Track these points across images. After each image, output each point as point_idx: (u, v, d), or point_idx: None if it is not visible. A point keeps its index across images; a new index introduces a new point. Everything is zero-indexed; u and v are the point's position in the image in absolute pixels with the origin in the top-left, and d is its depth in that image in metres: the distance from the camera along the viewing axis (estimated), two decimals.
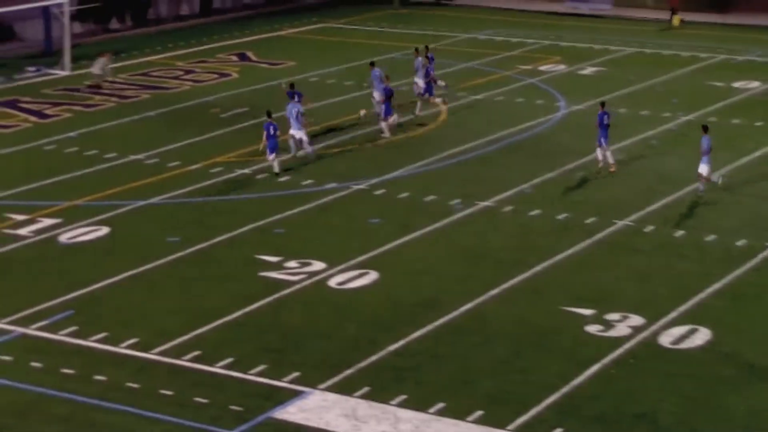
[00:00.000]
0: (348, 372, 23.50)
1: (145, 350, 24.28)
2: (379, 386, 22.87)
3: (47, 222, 31.78)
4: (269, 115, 36.47)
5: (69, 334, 24.93)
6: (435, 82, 43.67)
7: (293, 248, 30.13)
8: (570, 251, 30.20)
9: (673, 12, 64.10)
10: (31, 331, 25.11)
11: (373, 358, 24.12)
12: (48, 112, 43.77)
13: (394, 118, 40.62)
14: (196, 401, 22.20)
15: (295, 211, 33.02)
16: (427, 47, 45.95)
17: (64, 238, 30.78)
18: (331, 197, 34.25)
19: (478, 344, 24.90)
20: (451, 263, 29.33)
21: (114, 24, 60.78)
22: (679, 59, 54.71)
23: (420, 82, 43.61)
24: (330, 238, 31.02)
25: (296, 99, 38.08)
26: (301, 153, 37.71)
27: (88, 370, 23.34)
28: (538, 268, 29.07)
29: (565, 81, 49.68)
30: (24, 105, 44.68)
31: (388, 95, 40.53)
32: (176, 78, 49.74)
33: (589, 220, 32.45)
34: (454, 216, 32.67)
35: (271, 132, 35.96)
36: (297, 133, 37.50)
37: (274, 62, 52.33)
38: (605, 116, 35.99)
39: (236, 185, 35.32)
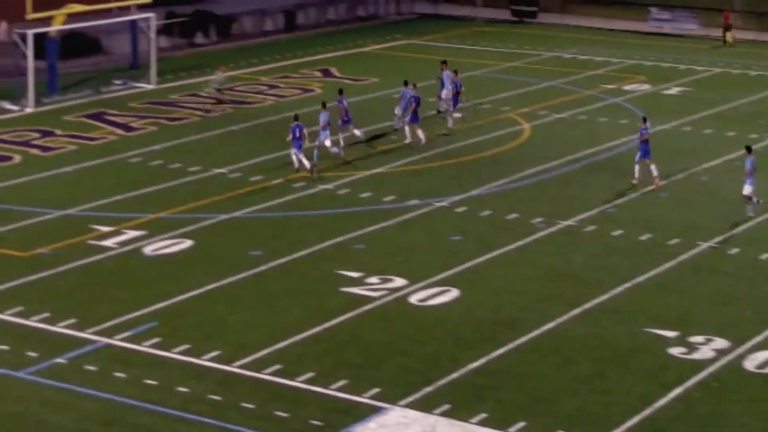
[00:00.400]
0: (428, 389, 23.50)
1: (227, 363, 24.47)
2: (459, 404, 22.84)
3: (132, 234, 32.16)
4: (296, 118, 37.76)
5: (152, 346, 25.20)
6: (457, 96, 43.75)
7: (374, 264, 30.21)
8: (653, 272, 29.96)
9: (726, 29, 63.45)
10: (115, 341, 25.41)
11: (454, 375, 24.10)
12: (134, 125, 44.33)
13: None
14: (276, 415, 22.33)
15: (376, 227, 33.11)
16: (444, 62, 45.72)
17: (149, 250, 31.13)
18: (412, 214, 34.30)
19: (559, 364, 24.78)
20: (532, 282, 29.23)
21: (199, 38, 61.40)
22: (765, 80, 54.11)
23: (445, 93, 43.41)
24: (411, 254, 31.05)
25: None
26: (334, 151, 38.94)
27: (170, 382, 23.58)
28: (620, 288, 28.88)
29: (650, 101, 49.35)
30: (110, 118, 45.29)
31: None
32: (260, 93, 50.12)
33: (672, 242, 32.19)
34: (536, 235, 32.56)
35: (297, 134, 37.33)
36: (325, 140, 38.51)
37: (357, 78, 52.53)
38: (645, 131, 36.29)
39: (318, 200, 35.50)
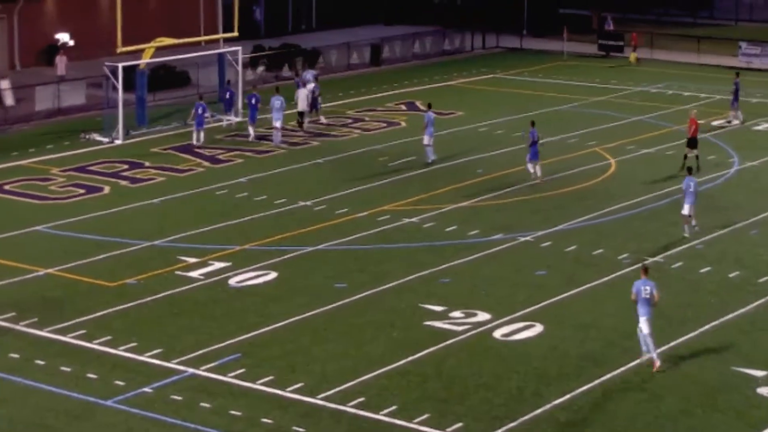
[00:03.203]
0: (511, 425, 23.48)
1: (311, 395, 24.64)
2: None
3: (218, 265, 32.53)
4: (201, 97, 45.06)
5: (237, 376, 25.45)
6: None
7: (459, 298, 30.26)
8: (741, 310, 29.68)
9: None
10: (200, 371, 25.71)
11: (537, 411, 24.06)
12: (221, 157, 44.88)
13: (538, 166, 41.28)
14: None
15: (461, 261, 33.17)
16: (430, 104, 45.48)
17: (234, 281, 31.46)
18: (497, 248, 34.32)
19: (644, 401, 24.64)
20: (617, 318, 29.06)
21: (285, 71, 62.01)
22: None
23: (426, 139, 43.24)
24: (496, 289, 31.07)
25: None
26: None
27: (255, 413, 23.80)
28: (707, 326, 28.64)
29: (739, 137, 48.94)
30: (198, 150, 45.89)
31: (534, 140, 40.92)
32: (345, 126, 50.50)
33: (762, 279, 31.87)
34: (621, 271, 32.40)
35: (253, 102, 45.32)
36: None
37: (442, 112, 52.74)
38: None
39: (403, 234, 35.65)
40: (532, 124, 41.88)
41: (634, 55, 68.41)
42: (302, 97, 49.71)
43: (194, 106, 47.13)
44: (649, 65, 67.19)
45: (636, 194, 39.82)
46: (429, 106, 44.07)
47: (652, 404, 24.47)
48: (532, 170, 41.12)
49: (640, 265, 31.24)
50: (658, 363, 25.93)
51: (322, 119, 50.88)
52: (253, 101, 47.73)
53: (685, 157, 42.40)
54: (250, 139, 47.24)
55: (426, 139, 43.14)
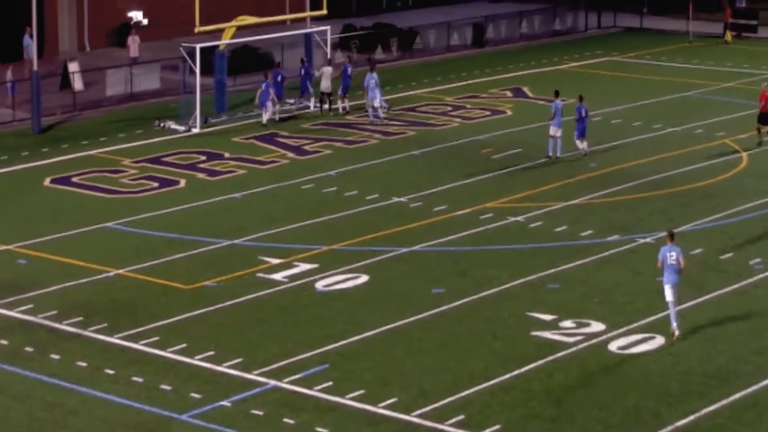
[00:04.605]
0: None
1: (405, 411, 24.71)
2: None
3: (303, 267, 32.73)
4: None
5: (324, 390, 25.59)
6: None
7: (569, 306, 30.14)
8: None
9: None
10: (284, 384, 25.89)
11: None
12: (307, 148, 45.15)
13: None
14: None
15: (572, 264, 33.03)
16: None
17: (321, 285, 31.63)
18: (613, 251, 34.12)
19: None
20: (749, 330, 28.76)
21: (379, 54, 62.13)
22: None
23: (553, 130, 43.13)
24: (611, 296, 30.90)
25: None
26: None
27: (343, 430, 23.90)
28: None
29: None
30: (282, 140, 46.20)
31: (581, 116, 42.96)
32: (444, 114, 50.52)
33: None
34: (753, 278, 32.05)
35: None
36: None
37: (552, 99, 52.44)
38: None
39: (507, 234, 35.59)
40: (580, 98, 42.85)
41: (730, 33, 67.47)
42: (327, 74, 49.68)
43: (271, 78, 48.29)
44: None
45: None
46: (557, 94, 43.83)
47: None
48: (581, 146, 42.87)
49: None
50: (677, 332, 27.87)
51: (346, 105, 50.33)
52: (279, 78, 48.70)
53: (758, 131, 43.78)
54: (264, 121, 47.81)
55: (553, 130, 42.91)
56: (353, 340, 28.22)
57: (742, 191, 39.57)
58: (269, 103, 47.71)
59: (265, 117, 47.84)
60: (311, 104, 50.84)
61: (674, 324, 27.91)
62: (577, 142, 43.09)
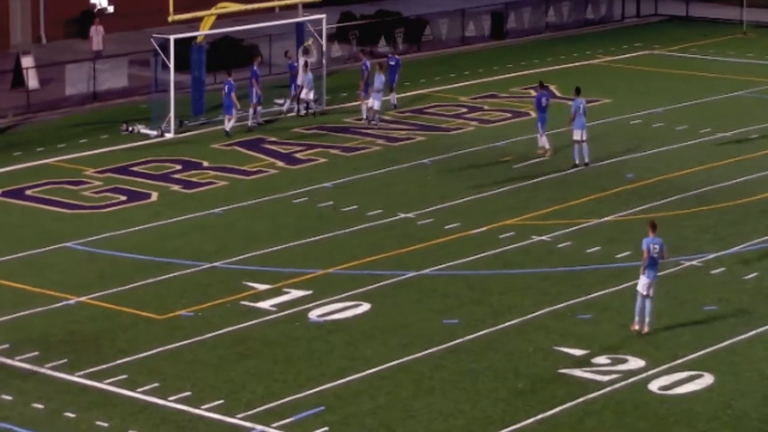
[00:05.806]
0: None
1: None
2: None
3: (294, 294, 32.84)
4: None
5: None
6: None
7: (603, 339, 30.25)
8: None
9: None
10: (272, 429, 25.97)
11: None
12: (299, 155, 45.27)
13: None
14: None
15: (606, 291, 33.15)
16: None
17: (315, 314, 31.73)
18: None
19: None
20: None
21: (382, 47, 62.23)
22: None
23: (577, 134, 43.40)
24: (652, 328, 30.98)
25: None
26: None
27: None
28: None
29: None
30: (270, 146, 46.31)
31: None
32: (458, 116, 50.68)
33: None
34: None
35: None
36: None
37: (573, 98, 52.62)
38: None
39: (531, 256, 35.71)
40: (577, 92, 43.39)
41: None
42: (309, 79, 49.77)
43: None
44: None
45: None
46: (578, 92, 44.00)
47: None
48: (544, 143, 44.52)
49: None
50: (646, 329, 30.15)
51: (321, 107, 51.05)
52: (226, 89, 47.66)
53: None
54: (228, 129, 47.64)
55: (576, 134, 43.06)
56: (352, 378, 28.31)
57: None
58: (234, 110, 47.45)
59: (228, 125, 47.65)
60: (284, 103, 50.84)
61: (646, 320, 30.11)
62: (543, 138, 44.60)
